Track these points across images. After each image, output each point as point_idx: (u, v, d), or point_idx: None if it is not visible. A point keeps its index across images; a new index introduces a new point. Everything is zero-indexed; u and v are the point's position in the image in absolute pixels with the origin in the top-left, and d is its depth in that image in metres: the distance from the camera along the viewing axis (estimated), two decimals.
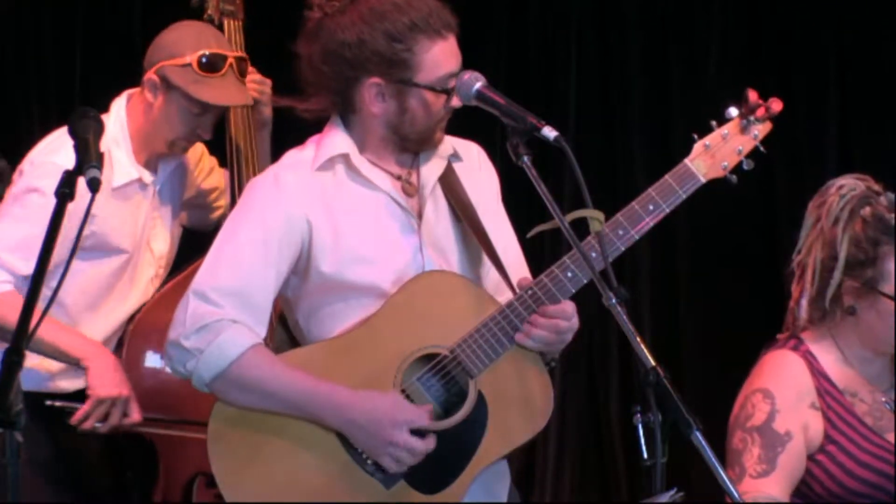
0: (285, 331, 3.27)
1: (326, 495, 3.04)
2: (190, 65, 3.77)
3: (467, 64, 3.18)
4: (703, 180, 3.19)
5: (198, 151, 4.07)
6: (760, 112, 3.24)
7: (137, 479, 4.01)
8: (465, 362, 3.07)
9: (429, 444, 3.02)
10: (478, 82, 3.08)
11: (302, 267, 3.14)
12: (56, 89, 5.09)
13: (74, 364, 3.72)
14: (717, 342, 5.23)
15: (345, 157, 3.16)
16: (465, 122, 3.27)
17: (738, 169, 3.22)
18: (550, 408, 3.10)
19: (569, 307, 3.09)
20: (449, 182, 3.23)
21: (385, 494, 3.05)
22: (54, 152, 3.69)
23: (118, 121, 3.84)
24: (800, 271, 3.38)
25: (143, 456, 3.91)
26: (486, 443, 3.06)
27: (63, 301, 3.76)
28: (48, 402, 3.78)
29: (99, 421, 3.71)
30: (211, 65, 3.79)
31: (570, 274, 3.10)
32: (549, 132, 2.95)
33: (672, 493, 2.73)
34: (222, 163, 4.13)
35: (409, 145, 3.18)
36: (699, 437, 2.68)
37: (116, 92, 3.96)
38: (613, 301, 2.81)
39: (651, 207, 3.14)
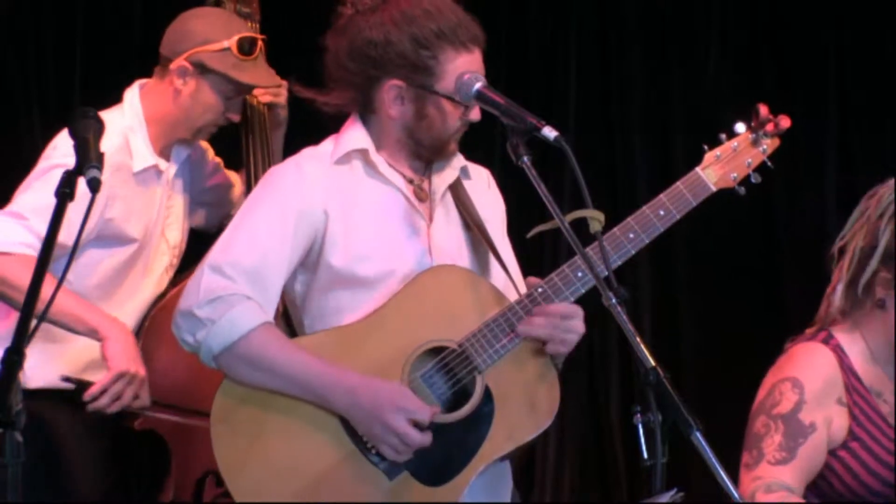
0: (289, 328, 3.28)
1: (329, 483, 3.05)
2: (229, 49, 3.82)
3: None
4: (714, 189, 3.25)
5: (204, 148, 4.10)
6: (770, 127, 3.30)
7: (146, 477, 4.01)
8: (473, 357, 3.09)
9: (425, 438, 3.03)
10: (478, 82, 3.09)
11: (313, 259, 3.16)
12: (56, 89, 5.08)
13: (91, 335, 3.66)
14: (717, 342, 5.23)
15: (363, 153, 3.20)
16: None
17: (746, 181, 3.29)
18: (556, 407, 3.11)
19: (576, 310, 3.11)
20: (459, 194, 3.27)
21: (388, 485, 3.06)
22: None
23: (133, 109, 3.86)
24: (839, 257, 3.39)
25: (153, 455, 3.91)
26: (491, 439, 3.07)
27: (77, 290, 3.75)
28: (62, 377, 3.74)
29: (112, 399, 3.64)
30: (247, 48, 3.85)
31: (580, 274, 3.12)
32: (550, 132, 2.96)
33: (672, 493, 2.73)
34: (227, 165, 4.16)
35: (423, 152, 3.21)
36: (699, 437, 2.68)
37: (116, 92, 3.97)
38: (613, 301, 2.82)
39: (662, 213, 3.19)
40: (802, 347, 3.38)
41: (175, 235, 3.98)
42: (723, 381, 5.05)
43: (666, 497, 2.72)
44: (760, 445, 3.27)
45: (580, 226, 2.93)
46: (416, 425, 3.02)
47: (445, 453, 3.06)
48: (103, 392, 3.64)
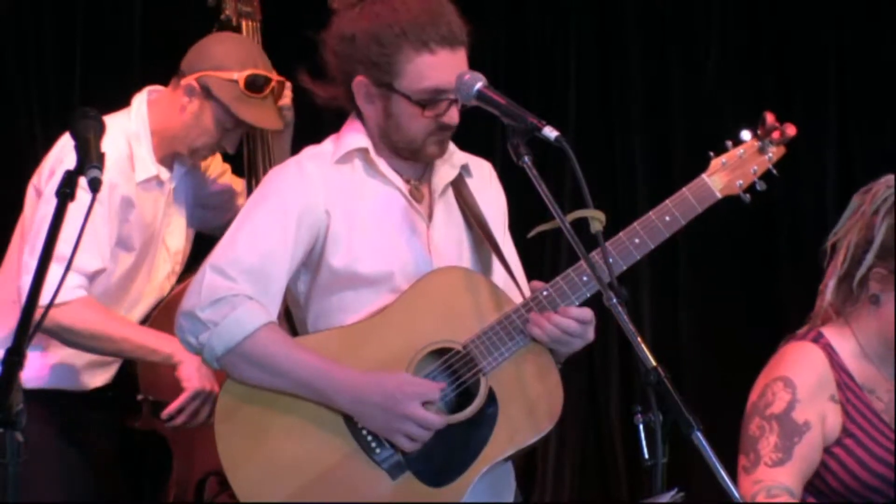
0: (291, 328, 3.28)
1: (331, 482, 3.05)
2: (237, 81, 3.81)
3: (470, 56, 3.18)
4: (719, 196, 3.25)
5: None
6: (776, 135, 3.29)
7: (149, 478, 4.01)
8: (478, 359, 3.09)
9: (442, 420, 3.03)
10: (478, 82, 3.08)
11: (314, 260, 3.16)
12: (56, 89, 5.08)
13: (167, 361, 3.72)
14: (717, 342, 5.23)
15: (363, 152, 3.20)
16: (466, 122, 3.27)
17: (751, 189, 3.28)
18: (559, 410, 3.10)
19: (587, 315, 3.10)
20: (461, 191, 3.27)
21: (391, 485, 3.05)
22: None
23: (139, 117, 3.87)
24: (833, 252, 3.39)
25: (156, 456, 3.91)
26: (494, 440, 3.07)
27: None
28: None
29: (190, 417, 3.72)
30: (256, 85, 3.83)
31: (585, 278, 3.13)
32: (550, 132, 2.95)
33: (672, 493, 2.73)
34: (234, 170, 4.15)
35: (402, 153, 3.21)
36: (699, 437, 2.68)
37: (116, 92, 3.97)
38: (614, 301, 2.82)
39: (668, 219, 3.19)
40: (792, 347, 3.38)
41: (176, 242, 3.98)
42: (723, 381, 5.05)
43: (666, 497, 2.72)
44: (757, 447, 3.27)
45: (581, 226, 2.93)
46: (428, 405, 3.03)
47: (449, 454, 3.06)
48: (181, 411, 3.72)
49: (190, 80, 3.82)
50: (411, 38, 3.10)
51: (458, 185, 3.27)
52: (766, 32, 5.34)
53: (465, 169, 3.30)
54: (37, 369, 3.76)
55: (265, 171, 4.00)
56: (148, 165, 3.85)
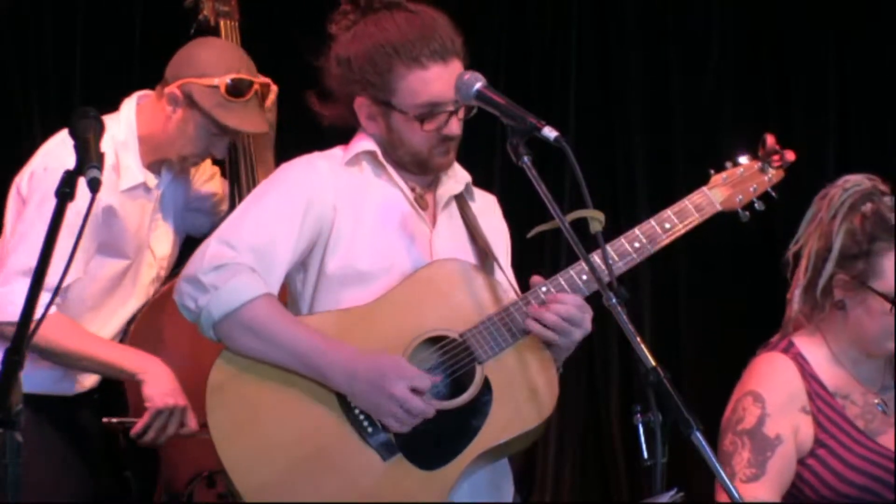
0: None
1: (321, 459, 3.05)
2: (218, 87, 3.77)
3: (467, 64, 3.19)
4: (720, 208, 3.31)
5: None
6: (776, 159, 3.37)
7: (137, 479, 4.01)
8: (474, 347, 3.10)
9: (427, 408, 3.04)
10: (478, 82, 3.09)
11: (316, 255, 3.18)
12: (56, 89, 5.09)
13: (130, 378, 3.73)
14: (717, 342, 5.23)
15: (372, 155, 3.25)
16: (466, 122, 3.27)
17: (750, 207, 3.35)
18: (554, 402, 3.12)
19: (581, 300, 3.12)
20: (463, 208, 3.31)
21: (381, 465, 3.06)
22: (69, 156, 3.66)
23: (128, 124, 3.84)
24: (794, 262, 3.39)
25: (143, 455, 3.91)
26: (488, 428, 3.08)
27: (72, 299, 3.76)
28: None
29: (158, 433, 3.72)
30: (238, 90, 3.80)
31: (584, 277, 3.15)
32: (550, 132, 2.96)
33: (672, 493, 2.73)
34: (224, 173, 4.14)
35: (409, 167, 3.25)
36: (699, 437, 2.68)
37: (116, 92, 3.96)
38: (613, 301, 2.83)
39: (668, 226, 3.25)
40: (762, 359, 3.38)
41: (162, 248, 3.97)
42: (723, 381, 5.04)
43: (666, 497, 2.72)
44: (731, 463, 3.27)
45: (580, 226, 2.93)
46: (416, 393, 3.03)
47: (441, 439, 3.07)
48: (147, 429, 3.72)
49: (173, 89, 3.79)
50: (402, 55, 3.16)
51: (462, 203, 3.32)
52: (766, 33, 5.34)
53: (468, 192, 3.34)
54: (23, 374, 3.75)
55: (247, 176, 3.99)
56: (134, 173, 3.83)
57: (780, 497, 3.26)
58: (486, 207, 3.39)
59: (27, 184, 3.76)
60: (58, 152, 3.73)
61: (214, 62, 3.80)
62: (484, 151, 5.06)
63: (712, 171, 3.35)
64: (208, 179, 4.10)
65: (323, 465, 3.05)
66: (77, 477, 3.88)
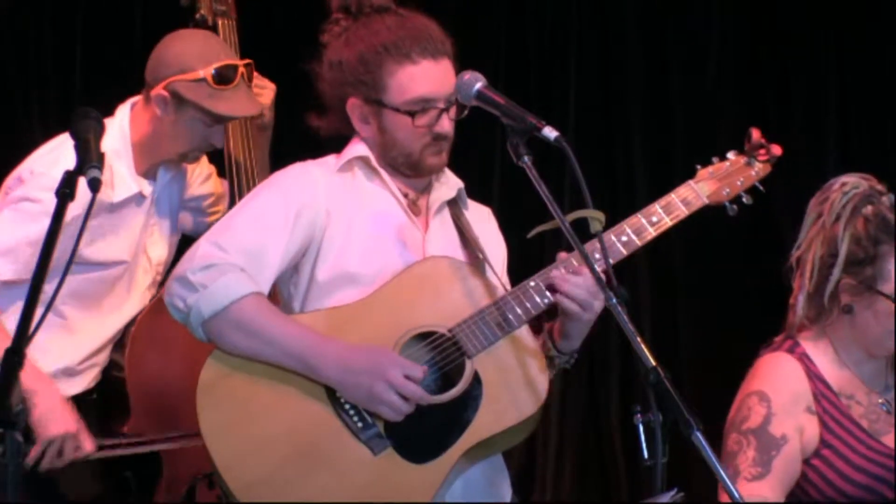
0: None
1: (311, 455, 3.06)
2: (204, 79, 3.74)
3: (467, 64, 3.19)
4: (707, 201, 3.33)
5: None
6: (762, 153, 3.39)
7: (137, 479, 4.00)
8: (463, 342, 3.11)
9: (423, 393, 3.05)
10: (478, 82, 3.10)
11: (308, 260, 3.19)
12: (56, 89, 5.09)
13: (27, 396, 3.60)
14: (717, 342, 5.23)
15: (364, 160, 3.27)
16: (466, 122, 3.27)
17: (737, 200, 3.37)
18: (544, 396, 3.12)
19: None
20: (456, 214, 3.33)
21: (371, 459, 3.07)
22: (55, 163, 3.66)
23: (121, 132, 3.82)
24: (798, 267, 3.39)
25: (144, 456, 3.90)
26: (478, 421, 3.09)
27: (59, 307, 3.75)
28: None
29: (53, 458, 3.65)
30: (226, 77, 3.77)
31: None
32: (550, 132, 2.97)
33: (672, 493, 2.73)
34: (221, 172, 4.13)
35: (402, 169, 3.27)
36: (699, 437, 2.68)
37: (116, 92, 3.96)
38: (614, 301, 2.83)
39: (655, 219, 3.26)
40: (767, 359, 3.37)
41: (158, 253, 3.96)
42: (723, 381, 5.04)
43: (666, 497, 2.73)
44: (735, 463, 3.27)
45: (580, 226, 2.93)
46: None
47: (431, 433, 3.08)
48: (43, 455, 3.64)
49: (158, 91, 3.76)
50: (393, 52, 3.19)
51: (455, 209, 3.33)
52: (766, 33, 5.34)
53: (461, 199, 3.35)
54: None
55: (248, 172, 3.99)
56: (128, 183, 3.81)
57: (784, 496, 3.26)
58: (481, 217, 3.41)
59: (11, 183, 3.76)
60: (47, 158, 3.73)
61: (195, 55, 3.77)
62: (484, 151, 5.06)
63: (699, 166, 3.38)
64: (205, 180, 4.10)
65: (314, 461, 3.06)
66: (77, 477, 3.87)
